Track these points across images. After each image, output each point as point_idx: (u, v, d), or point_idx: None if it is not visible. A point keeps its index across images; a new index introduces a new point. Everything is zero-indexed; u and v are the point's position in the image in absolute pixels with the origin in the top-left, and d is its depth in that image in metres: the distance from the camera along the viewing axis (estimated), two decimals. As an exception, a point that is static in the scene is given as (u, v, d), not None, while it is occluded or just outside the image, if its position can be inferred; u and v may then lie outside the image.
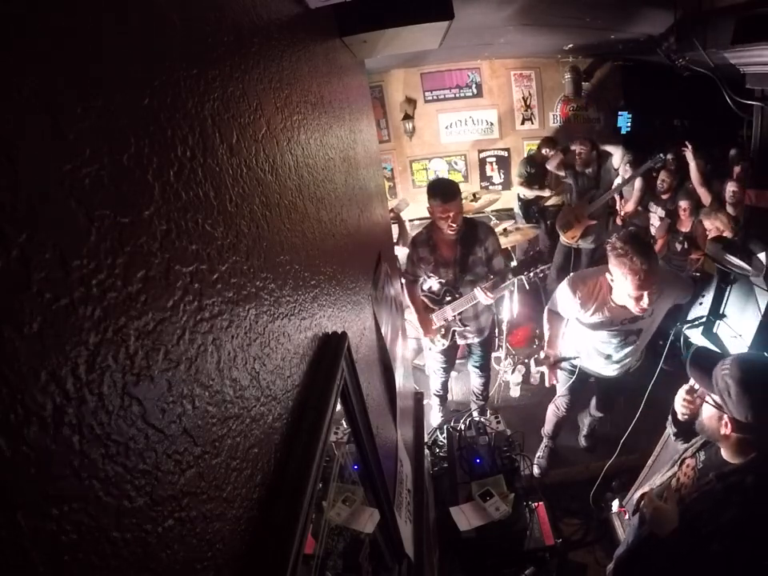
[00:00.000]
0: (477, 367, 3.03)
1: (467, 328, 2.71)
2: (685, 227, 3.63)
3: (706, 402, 1.24)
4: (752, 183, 2.17)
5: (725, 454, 1.25)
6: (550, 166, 4.28)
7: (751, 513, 1.11)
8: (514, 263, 3.85)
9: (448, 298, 2.61)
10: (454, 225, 2.32)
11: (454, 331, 2.73)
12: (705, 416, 1.26)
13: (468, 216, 2.51)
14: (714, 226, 3.22)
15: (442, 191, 2.29)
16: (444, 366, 3.00)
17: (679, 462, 1.47)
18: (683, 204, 3.54)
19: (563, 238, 4.16)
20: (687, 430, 1.46)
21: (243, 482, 0.51)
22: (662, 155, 3.80)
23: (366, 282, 1.41)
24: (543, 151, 4.53)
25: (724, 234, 3.13)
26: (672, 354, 2.23)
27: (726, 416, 1.14)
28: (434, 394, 3.23)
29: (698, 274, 3.09)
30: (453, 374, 3.30)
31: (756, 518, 1.10)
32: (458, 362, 3.44)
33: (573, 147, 4.04)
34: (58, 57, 0.31)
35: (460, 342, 2.84)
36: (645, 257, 1.73)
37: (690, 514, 1.23)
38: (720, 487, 1.19)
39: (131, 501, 0.34)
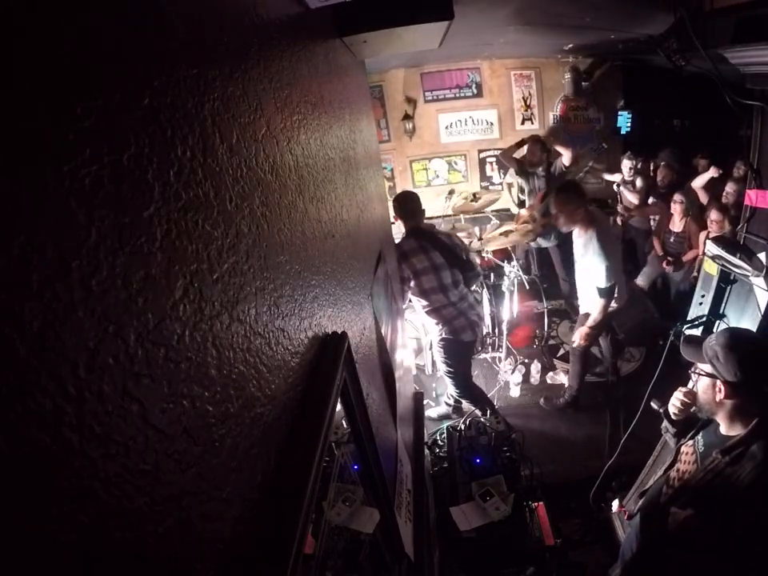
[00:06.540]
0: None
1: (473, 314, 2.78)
2: (677, 227, 3.63)
3: (699, 375, 1.32)
4: (752, 183, 2.17)
5: (724, 427, 1.30)
6: (503, 169, 4.39)
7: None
8: (514, 263, 3.85)
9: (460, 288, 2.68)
10: None
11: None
12: (700, 391, 1.34)
13: (420, 227, 2.65)
14: (710, 222, 3.23)
15: None
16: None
17: (674, 452, 1.50)
18: (677, 198, 3.54)
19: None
20: (685, 426, 1.54)
21: (243, 482, 0.51)
22: (604, 145, 4.34)
23: (366, 281, 1.41)
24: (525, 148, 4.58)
25: (723, 233, 3.14)
26: (672, 354, 2.23)
27: (718, 382, 1.25)
28: (446, 403, 3.15)
29: (696, 274, 3.09)
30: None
31: None
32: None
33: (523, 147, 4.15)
34: (58, 57, 0.31)
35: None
36: None
37: (701, 494, 1.26)
38: (727, 460, 1.23)
39: (131, 501, 0.34)
